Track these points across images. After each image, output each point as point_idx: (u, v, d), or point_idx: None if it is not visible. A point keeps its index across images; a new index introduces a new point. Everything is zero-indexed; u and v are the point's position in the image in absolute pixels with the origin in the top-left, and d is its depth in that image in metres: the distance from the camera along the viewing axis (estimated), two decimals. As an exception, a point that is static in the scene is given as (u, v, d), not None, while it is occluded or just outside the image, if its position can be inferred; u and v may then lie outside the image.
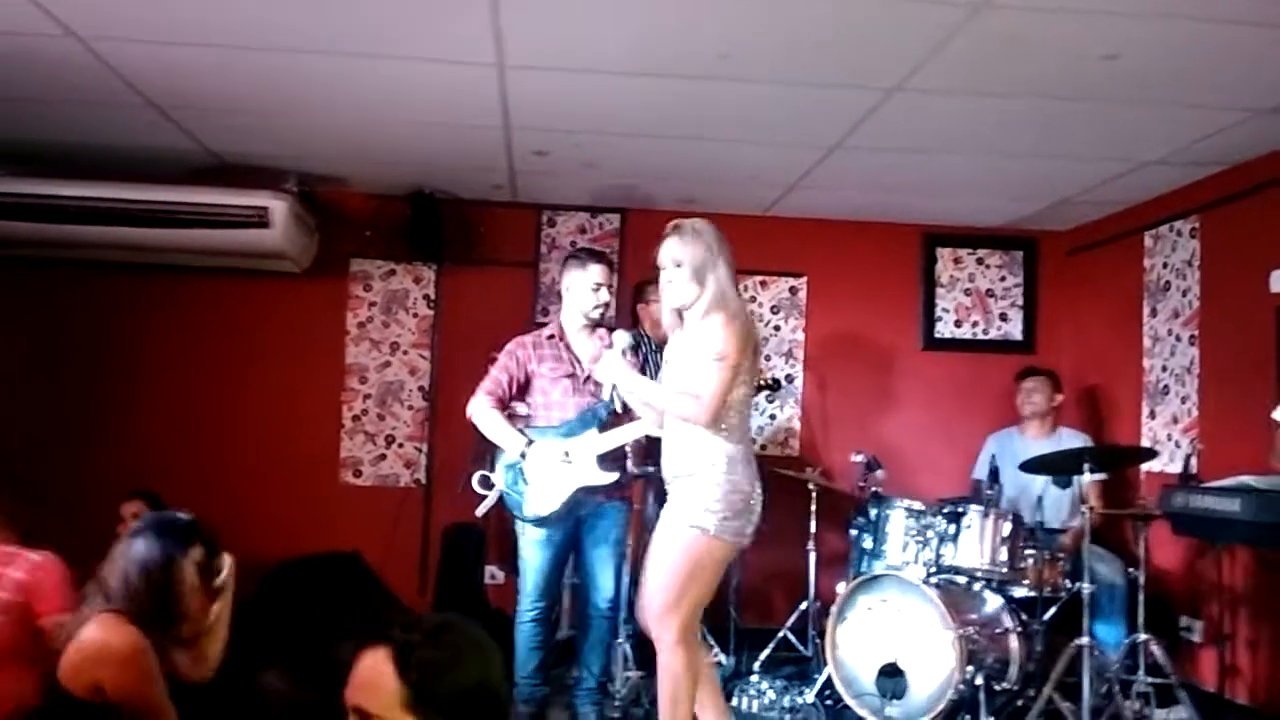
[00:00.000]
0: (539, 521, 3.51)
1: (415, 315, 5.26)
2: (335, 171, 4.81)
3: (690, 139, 4.14)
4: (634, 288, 4.81)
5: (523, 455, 3.48)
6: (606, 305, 3.66)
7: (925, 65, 3.23)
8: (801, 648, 4.52)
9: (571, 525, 3.57)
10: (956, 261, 5.49)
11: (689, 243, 2.87)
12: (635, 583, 3.30)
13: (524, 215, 5.31)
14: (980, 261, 5.50)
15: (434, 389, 5.15)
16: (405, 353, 5.24)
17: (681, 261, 2.86)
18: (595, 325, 3.69)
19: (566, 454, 3.45)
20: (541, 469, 3.47)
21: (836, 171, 4.48)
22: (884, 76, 3.36)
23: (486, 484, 3.56)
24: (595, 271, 3.61)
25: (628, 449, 3.48)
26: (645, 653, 4.04)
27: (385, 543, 4.87)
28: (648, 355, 3.99)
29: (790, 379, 5.35)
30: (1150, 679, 3.65)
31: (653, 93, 3.59)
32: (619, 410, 3.31)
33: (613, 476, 3.44)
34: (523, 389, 3.67)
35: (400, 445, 5.21)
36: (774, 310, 5.40)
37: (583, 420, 3.51)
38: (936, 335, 5.45)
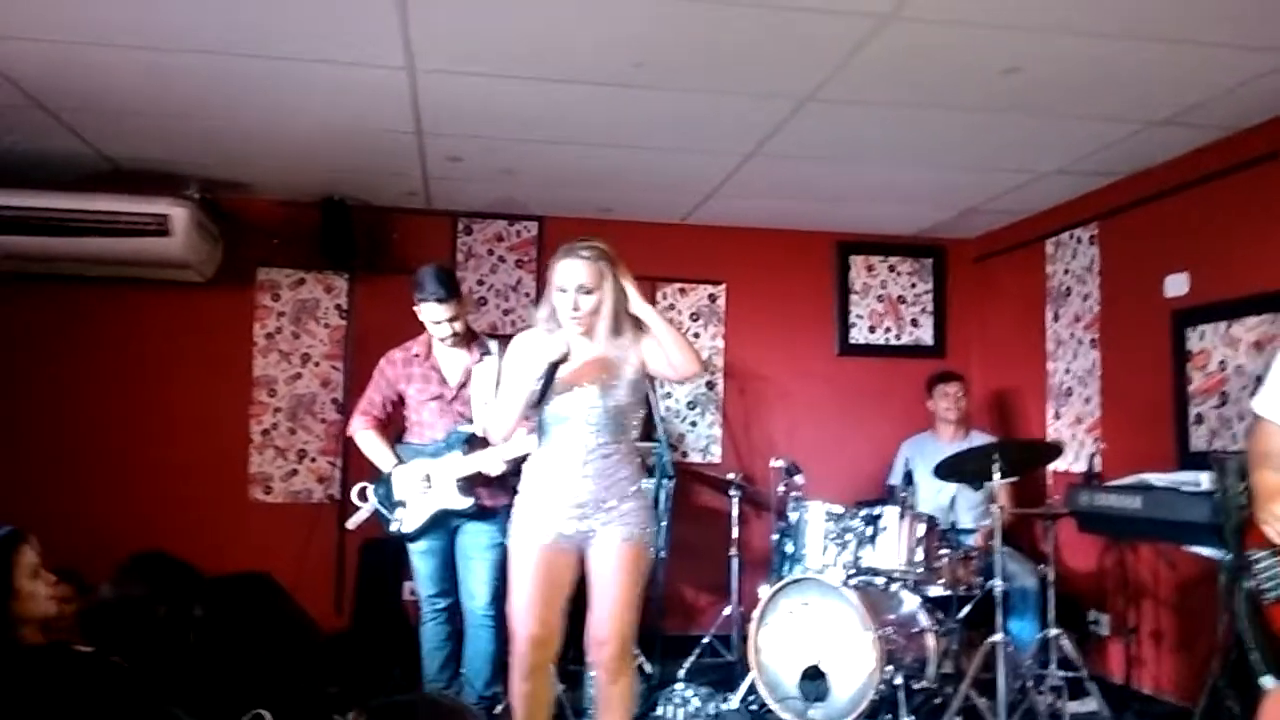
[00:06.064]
0: (407, 538, 3.58)
1: (327, 325, 5.11)
2: (240, 177, 4.65)
3: (607, 146, 4.12)
4: None
5: (389, 475, 3.58)
6: (453, 335, 3.57)
7: (835, 76, 3.28)
8: (726, 653, 4.52)
9: (449, 533, 3.61)
10: (869, 269, 5.60)
11: None
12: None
13: (439, 223, 5.22)
14: (892, 269, 5.62)
15: (348, 401, 5.01)
16: (317, 364, 5.10)
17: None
18: (471, 337, 3.67)
19: (428, 477, 3.52)
20: (406, 490, 3.55)
21: (752, 179, 4.52)
22: (796, 86, 3.40)
23: (364, 496, 3.64)
24: (425, 310, 3.54)
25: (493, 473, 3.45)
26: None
27: (298, 562, 4.70)
28: None
29: (711, 386, 5.38)
30: (1062, 673, 3.76)
31: (568, 99, 3.56)
32: (482, 434, 3.45)
33: (469, 502, 3.48)
34: (398, 405, 3.69)
35: (313, 460, 5.06)
36: (693, 318, 5.42)
37: (447, 443, 3.54)
38: (851, 341, 5.54)
